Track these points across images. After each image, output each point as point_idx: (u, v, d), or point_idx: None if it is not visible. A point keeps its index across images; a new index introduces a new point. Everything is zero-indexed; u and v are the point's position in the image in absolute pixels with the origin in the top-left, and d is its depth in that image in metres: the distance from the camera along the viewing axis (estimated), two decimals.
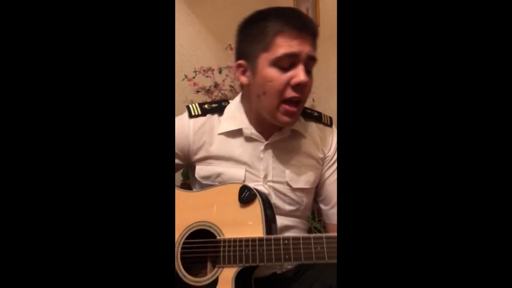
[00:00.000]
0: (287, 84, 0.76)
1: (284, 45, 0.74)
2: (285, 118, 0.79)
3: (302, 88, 0.77)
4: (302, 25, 0.76)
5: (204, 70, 1.80)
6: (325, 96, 1.89)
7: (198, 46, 1.90)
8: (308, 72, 0.78)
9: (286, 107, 0.77)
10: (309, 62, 0.78)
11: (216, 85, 1.84)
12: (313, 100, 1.90)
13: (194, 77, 1.80)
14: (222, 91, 1.85)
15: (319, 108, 1.86)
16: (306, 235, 0.71)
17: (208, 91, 1.86)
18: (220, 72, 1.83)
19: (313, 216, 1.57)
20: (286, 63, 0.75)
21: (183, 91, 1.83)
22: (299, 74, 0.75)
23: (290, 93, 0.76)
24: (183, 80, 1.77)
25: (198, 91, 1.82)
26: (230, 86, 1.87)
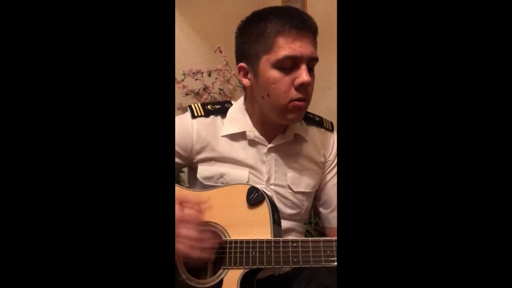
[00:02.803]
0: (291, 85, 0.76)
1: (285, 47, 0.74)
2: (293, 115, 0.79)
3: (306, 88, 0.77)
4: (303, 24, 0.75)
5: (193, 73, 1.80)
6: (314, 98, 1.88)
7: (186, 48, 1.89)
8: (311, 69, 0.78)
9: (295, 103, 0.77)
10: (311, 62, 0.78)
11: (205, 88, 1.83)
12: None
13: (183, 80, 1.79)
14: (211, 94, 1.84)
15: (309, 110, 1.88)
16: (315, 238, 0.71)
17: (197, 94, 1.85)
18: (209, 75, 1.83)
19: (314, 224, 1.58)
20: (288, 64, 0.75)
21: None
22: (302, 74, 0.74)
23: (294, 94, 0.76)
24: None
25: (187, 94, 1.81)
26: (220, 89, 1.87)
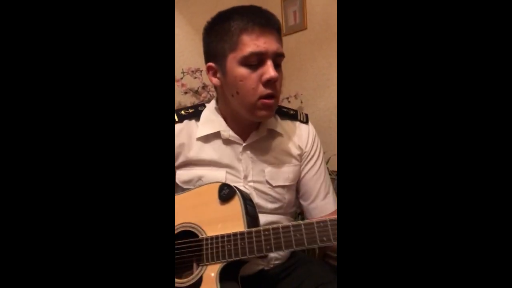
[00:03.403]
0: (258, 81, 0.77)
1: (250, 44, 0.75)
2: (263, 112, 0.80)
3: (273, 84, 0.78)
4: (266, 21, 0.77)
5: (192, 71, 1.80)
6: (313, 97, 1.90)
7: (185, 47, 1.90)
8: (278, 66, 0.79)
9: (264, 101, 0.78)
10: (277, 58, 0.79)
11: (204, 86, 1.84)
12: (301, 102, 1.91)
13: (182, 78, 1.80)
14: (210, 92, 1.85)
15: (307, 109, 1.87)
16: (285, 224, 0.71)
17: (196, 92, 1.85)
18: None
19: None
20: (254, 60, 0.76)
21: None
22: (268, 70, 0.76)
23: (263, 90, 0.77)
24: None
25: (186, 92, 1.82)
26: None
